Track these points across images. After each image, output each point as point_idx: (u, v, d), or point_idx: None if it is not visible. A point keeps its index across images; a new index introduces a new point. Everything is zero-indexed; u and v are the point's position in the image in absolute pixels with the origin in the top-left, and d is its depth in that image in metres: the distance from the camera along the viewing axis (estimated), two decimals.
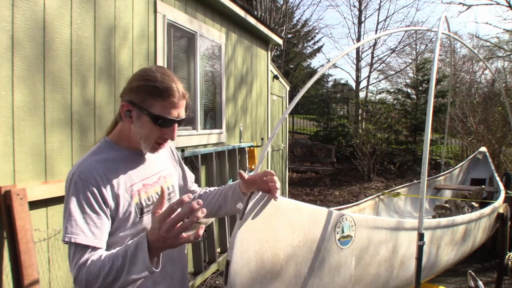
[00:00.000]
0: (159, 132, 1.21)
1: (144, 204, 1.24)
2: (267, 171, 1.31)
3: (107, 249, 1.15)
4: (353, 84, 19.09)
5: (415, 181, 5.49)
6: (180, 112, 1.22)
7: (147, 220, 1.25)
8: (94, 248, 1.11)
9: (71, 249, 1.10)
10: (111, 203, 1.16)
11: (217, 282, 3.95)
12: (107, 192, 1.16)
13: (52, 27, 2.39)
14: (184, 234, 1.01)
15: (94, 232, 1.11)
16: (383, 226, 1.93)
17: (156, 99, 1.17)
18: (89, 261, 1.08)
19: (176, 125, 1.23)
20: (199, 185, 3.97)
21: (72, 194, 1.13)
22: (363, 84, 18.17)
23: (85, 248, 1.09)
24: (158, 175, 1.33)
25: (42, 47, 2.32)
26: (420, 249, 2.02)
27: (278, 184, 1.31)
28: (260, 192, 1.31)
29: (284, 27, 15.36)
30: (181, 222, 0.99)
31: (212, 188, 1.56)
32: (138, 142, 1.24)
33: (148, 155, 1.33)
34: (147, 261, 1.01)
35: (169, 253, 1.30)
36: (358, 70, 17.52)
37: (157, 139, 1.23)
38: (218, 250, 4.50)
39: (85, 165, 1.17)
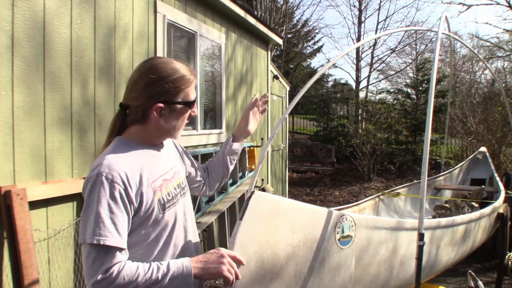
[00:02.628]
0: (187, 115, 1.33)
1: (165, 200, 1.24)
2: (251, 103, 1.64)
3: (129, 248, 1.15)
4: (353, 84, 19.09)
5: (415, 181, 5.49)
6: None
7: (168, 216, 1.25)
8: (120, 249, 1.11)
9: (94, 250, 1.08)
10: (135, 201, 1.16)
11: (217, 282, 3.95)
12: (132, 191, 1.15)
13: (52, 27, 2.39)
14: (224, 270, 1.15)
15: (121, 233, 1.11)
16: (383, 226, 1.93)
17: (184, 87, 1.26)
18: (123, 266, 1.09)
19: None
20: None
21: (99, 195, 1.11)
22: (363, 84, 18.18)
23: (112, 249, 1.09)
24: (173, 170, 1.35)
25: (42, 47, 2.32)
26: (420, 249, 2.01)
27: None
28: (261, 192, 1.31)
29: (284, 27, 15.36)
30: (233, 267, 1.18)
31: (212, 159, 1.69)
32: (168, 134, 1.31)
33: (161, 152, 1.35)
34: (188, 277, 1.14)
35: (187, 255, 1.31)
36: (358, 70, 17.51)
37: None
38: None
39: (109, 164, 1.15)
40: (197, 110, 1.37)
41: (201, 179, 1.61)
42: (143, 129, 1.26)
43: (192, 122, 4.14)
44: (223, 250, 1.19)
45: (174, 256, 1.25)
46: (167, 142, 1.43)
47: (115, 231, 1.10)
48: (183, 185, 1.38)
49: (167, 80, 1.22)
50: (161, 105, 1.23)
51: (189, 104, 1.29)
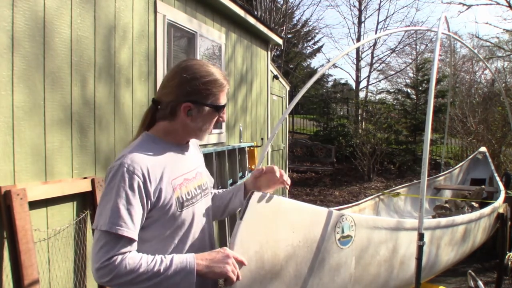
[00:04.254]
0: (215, 118, 1.33)
1: (184, 198, 1.26)
2: (269, 168, 1.42)
3: (144, 243, 1.18)
4: (353, 84, 19.10)
5: (415, 181, 5.49)
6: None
7: (185, 214, 1.27)
8: (130, 240, 1.13)
9: (105, 237, 1.11)
10: (153, 196, 1.18)
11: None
12: (151, 186, 1.18)
13: (52, 27, 2.39)
14: (229, 270, 1.16)
15: (135, 224, 1.14)
16: (383, 226, 1.93)
17: (215, 91, 1.28)
18: (127, 255, 1.11)
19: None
20: None
21: (118, 184, 1.14)
22: (363, 84, 18.17)
23: (122, 239, 1.11)
24: (196, 171, 1.37)
25: (42, 47, 2.32)
26: (420, 249, 2.01)
27: (284, 175, 1.42)
28: (260, 192, 1.31)
29: (284, 27, 15.37)
30: (235, 268, 1.18)
31: (220, 190, 1.61)
32: (194, 134, 1.33)
33: (186, 151, 1.37)
34: (190, 277, 1.13)
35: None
36: (358, 70, 17.51)
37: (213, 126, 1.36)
38: None
39: (132, 157, 1.19)
40: (226, 117, 1.38)
41: None
42: (170, 126, 1.30)
43: None
44: (228, 251, 1.19)
45: None
46: (192, 144, 1.45)
47: (130, 222, 1.12)
48: (204, 187, 1.39)
49: (199, 81, 1.25)
50: (189, 104, 1.26)
51: (218, 109, 1.30)
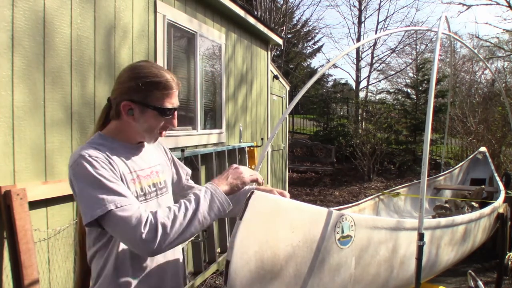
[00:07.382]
0: (162, 122, 1.29)
1: (138, 193, 1.27)
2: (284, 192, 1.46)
3: (91, 233, 1.23)
4: (353, 84, 19.11)
5: (415, 181, 5.49)
6: (177, 99, 1.31)
7: None
8: (136, 204, 1.15)
9: (120, 217, 1.10)
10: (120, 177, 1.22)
11: (217, 282, 3.95)
12: (116, 170, 1.21)
13: (52, 27, 2.39)
14: (246, 175, 1.28)
15: (125, 191, 1.16)
16: (383, 226, 1.93)
17: (158, 93, 1.25)
18: (152, 213, 1.13)
19: (175, 112, 1.32)
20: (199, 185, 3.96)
21: (89, 171, 1.14)
22: (363, 84, 18.18)
23: (132, 206, 1.12)
24: (151, 169, 1.37)
25: (42, 47, 2.32)
26: (420, 249, 2.01)
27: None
28: (261, 192, 1.31)
29: (284, 27, 15.37)
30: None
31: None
32: (140, 136, 1.31)
33: (139, 149, 1.37)
34: (222, 196, 1.21)
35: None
36: (358, 70, 17.52)
37: (160, 129, 1.31)
38: (218, 250, 4.50)
39: (88, 150, 1.19)
40: (176, 122, 1.32)
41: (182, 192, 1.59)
42: (119, 125, 1.30)
43: (192, 122, 4.13)
44: (235, 165, 1.31)
45: None
46: (154, 145, 1.45)
47: (125, 191, 1.15)
48: (161, 186, 1.39)
49: (140, 81, 1.24)
50: (129, 103, 1.25)
51: (161, 112, 1.26)
